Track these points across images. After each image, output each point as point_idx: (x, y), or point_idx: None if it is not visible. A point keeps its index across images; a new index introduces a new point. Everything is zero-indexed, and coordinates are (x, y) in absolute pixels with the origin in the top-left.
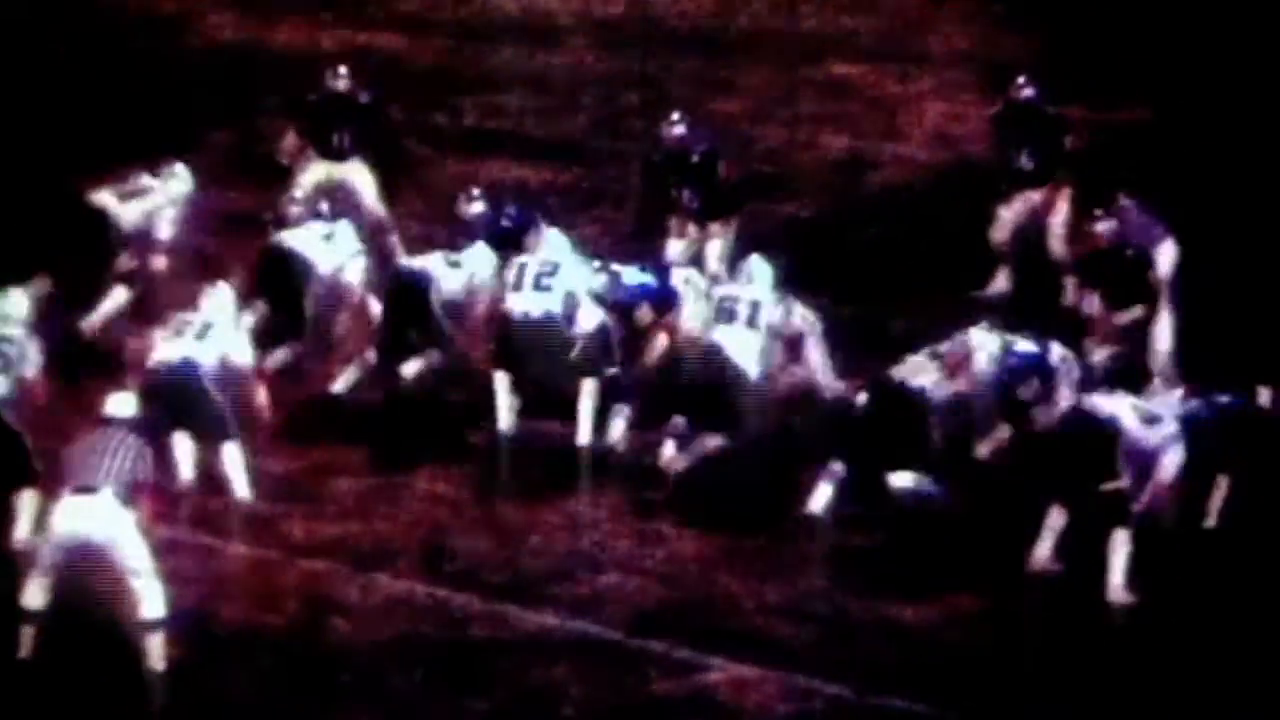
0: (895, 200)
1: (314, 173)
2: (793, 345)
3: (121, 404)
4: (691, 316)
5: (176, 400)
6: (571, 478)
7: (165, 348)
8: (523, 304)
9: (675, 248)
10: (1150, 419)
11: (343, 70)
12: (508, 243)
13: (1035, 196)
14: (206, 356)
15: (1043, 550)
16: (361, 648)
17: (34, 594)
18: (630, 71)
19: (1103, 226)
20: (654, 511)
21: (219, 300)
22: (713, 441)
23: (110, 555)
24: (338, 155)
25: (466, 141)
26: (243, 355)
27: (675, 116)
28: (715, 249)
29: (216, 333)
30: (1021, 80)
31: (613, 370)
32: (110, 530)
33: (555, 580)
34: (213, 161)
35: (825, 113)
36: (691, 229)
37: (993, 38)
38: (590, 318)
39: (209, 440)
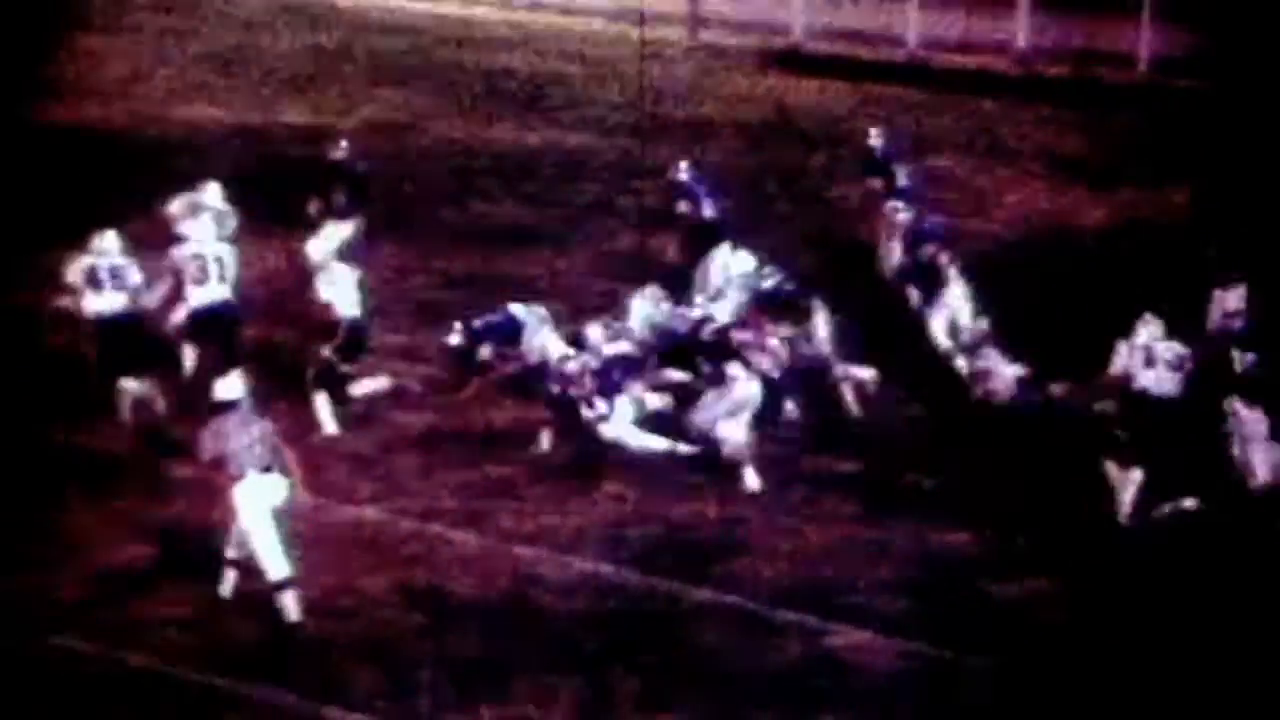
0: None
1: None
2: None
3: (231, 388)
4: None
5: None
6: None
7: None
8: None
9: None
10: None
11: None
12: None
13: None
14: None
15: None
16: (562, 621)
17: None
18: (771, 163)
19: None
20: (787, 504)
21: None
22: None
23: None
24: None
25: (645, 219)
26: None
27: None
28: None
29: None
30: None
31: None
32: (279, 501)
33: (711, 562)
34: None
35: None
36: None
37: (1061, 137)
38: None
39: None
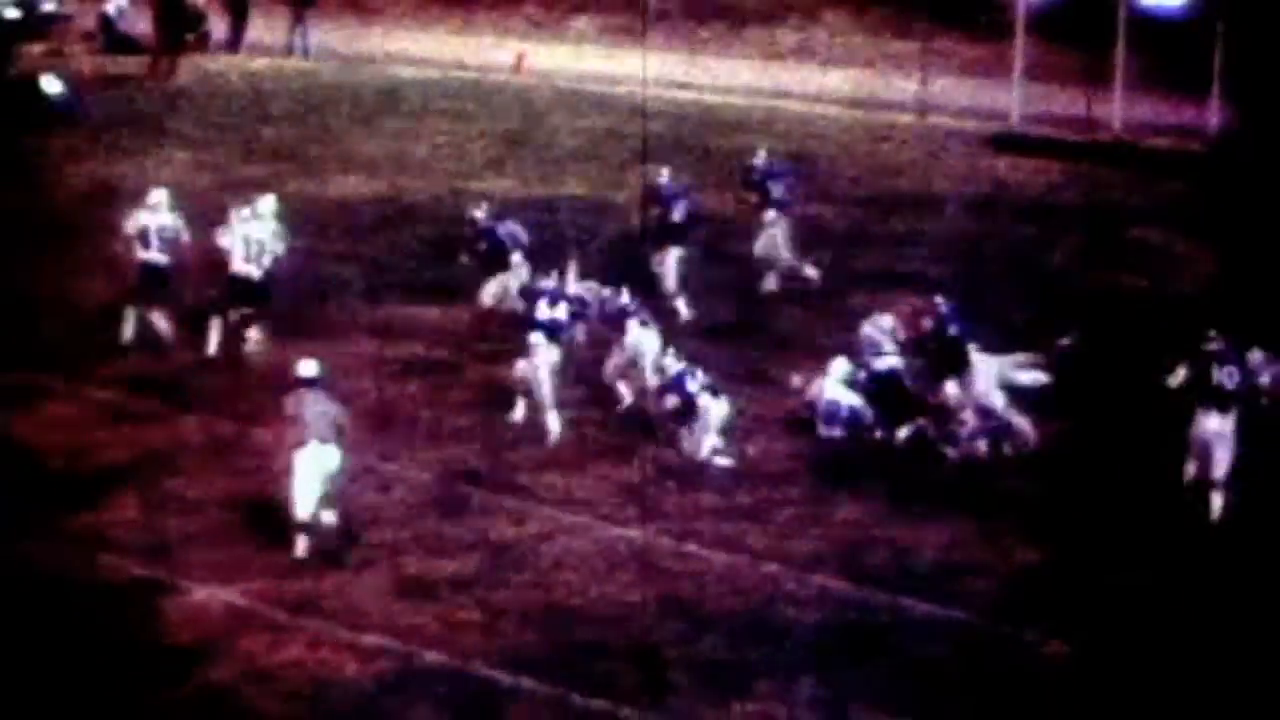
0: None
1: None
2: None
3: (309, 368)
4: None
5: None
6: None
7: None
8: None
9: None
10: None
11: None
12: None
13: None
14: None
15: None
16: (803, 631)
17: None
18: (988, 230)
19: None
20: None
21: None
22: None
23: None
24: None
25: (878, 279)
26: None
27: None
28: None
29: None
30: None
31: None
32: (336, 466)
33: (938, 580)
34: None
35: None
36: None
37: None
38: None
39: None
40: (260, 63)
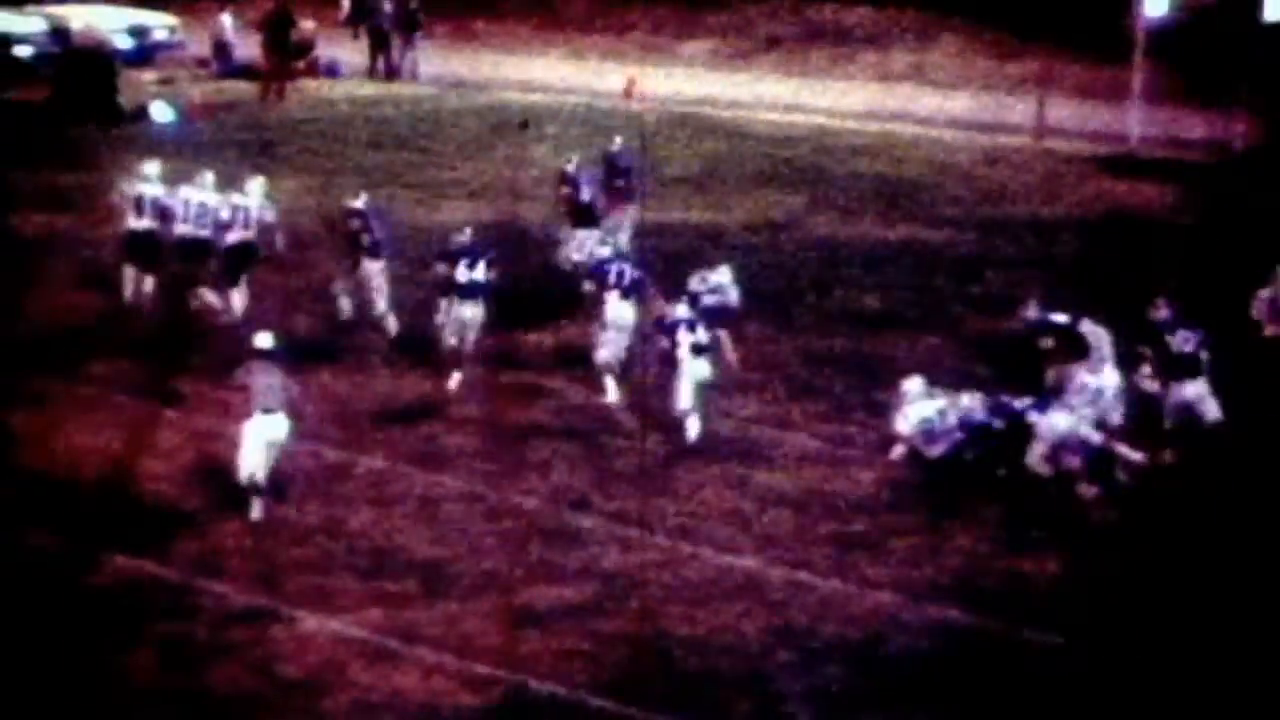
0: None
1: None
2: None
3: (265, 340)
4: None
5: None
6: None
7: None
8: None
9: None
10: None
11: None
12: None
13: None
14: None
15: None
16: (917, 660)
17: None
18: (1104, 253)
19: None
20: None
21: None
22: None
23: (273, 447)
24: None
25: (991, 303)
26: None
27: None
28: None
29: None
30: None
31: None
32: (280, 433)
33: (1053, 609)
34: (807, 315)
35: None
36: None
37: None
38: None
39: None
40: (370, 88)
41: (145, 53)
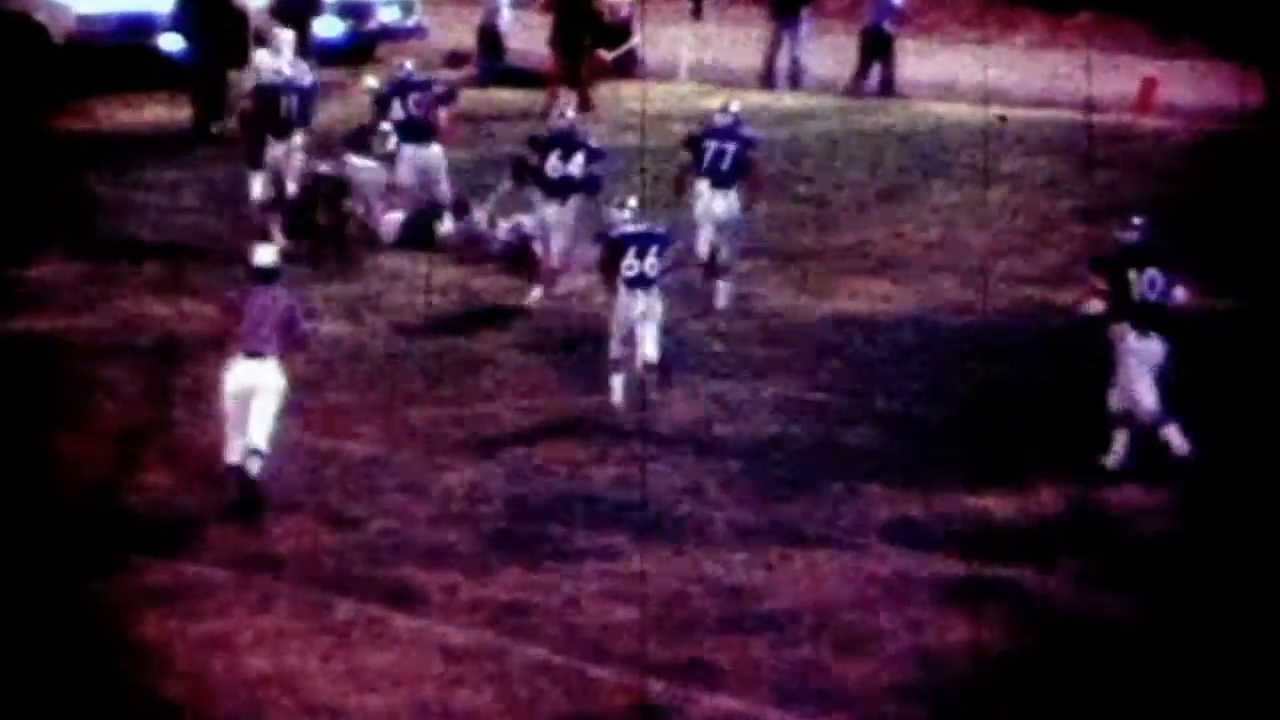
0: None
1: None
2: None
3: (266, 254)
4: None
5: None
6: None
7: None
8: None
9: None
10: None
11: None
12: None
13: None
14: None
15: None
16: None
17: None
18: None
19: None
20: None
21: None
22: None
23: (260, 400)
24: None
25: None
26: None
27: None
28: None
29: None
30: None
31: None
32: (269, 383)
33: None
34: None
35: None
36: None
37: None
38: None
39: None
40: (755, 97)
41: (361, 42)
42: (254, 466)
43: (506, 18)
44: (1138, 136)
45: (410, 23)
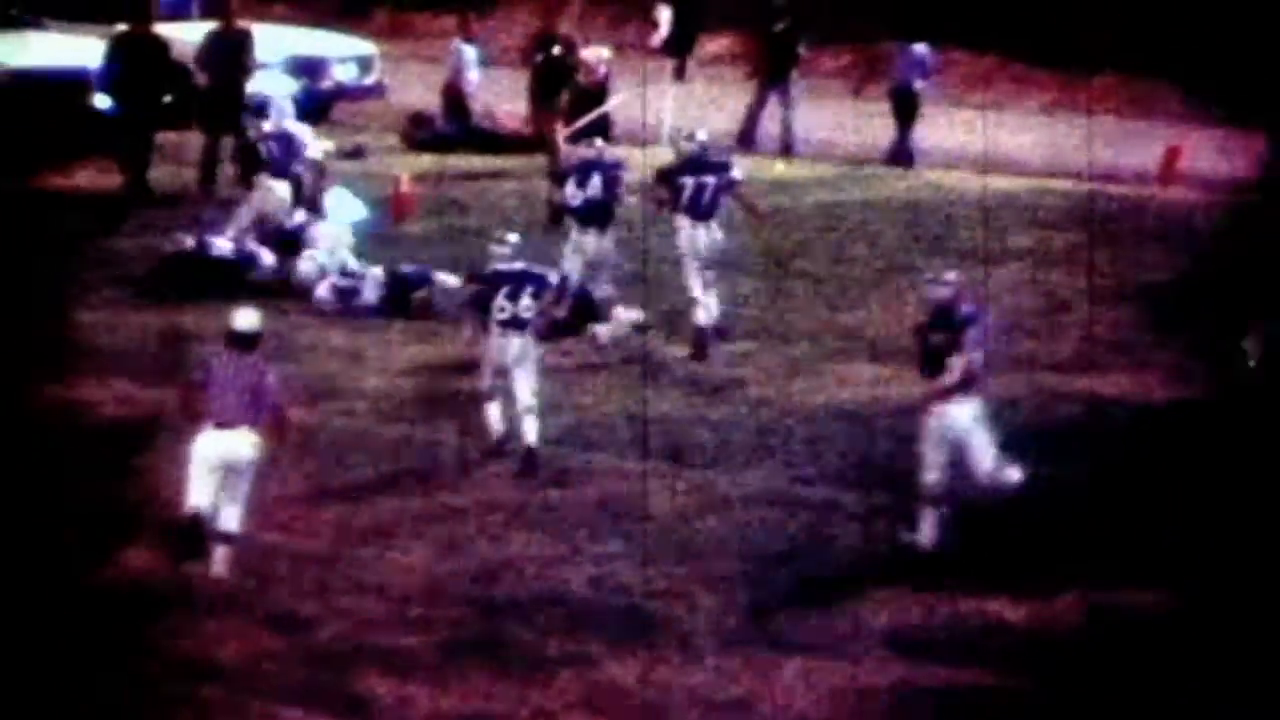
0: None
1: None
2: None
3: (246, 319)
4: None
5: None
6: None
7: None
8: None
9: None
10: None
11: None
12: None
13: None
14: None
15: None
16: None
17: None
18: None
19: None
20: None
21: None
22: None
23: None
24: None
25: None
26: None
27: None
28: None
29: None
30: None
31: None
32: (243, 457)
33: None
34: None
35: None
36: None
37: None
38: None
39: None
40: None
41: (317, 101)
42: (221, 562)
43: (473, 79)
44: (1159, 209)
45: (368, 81)
